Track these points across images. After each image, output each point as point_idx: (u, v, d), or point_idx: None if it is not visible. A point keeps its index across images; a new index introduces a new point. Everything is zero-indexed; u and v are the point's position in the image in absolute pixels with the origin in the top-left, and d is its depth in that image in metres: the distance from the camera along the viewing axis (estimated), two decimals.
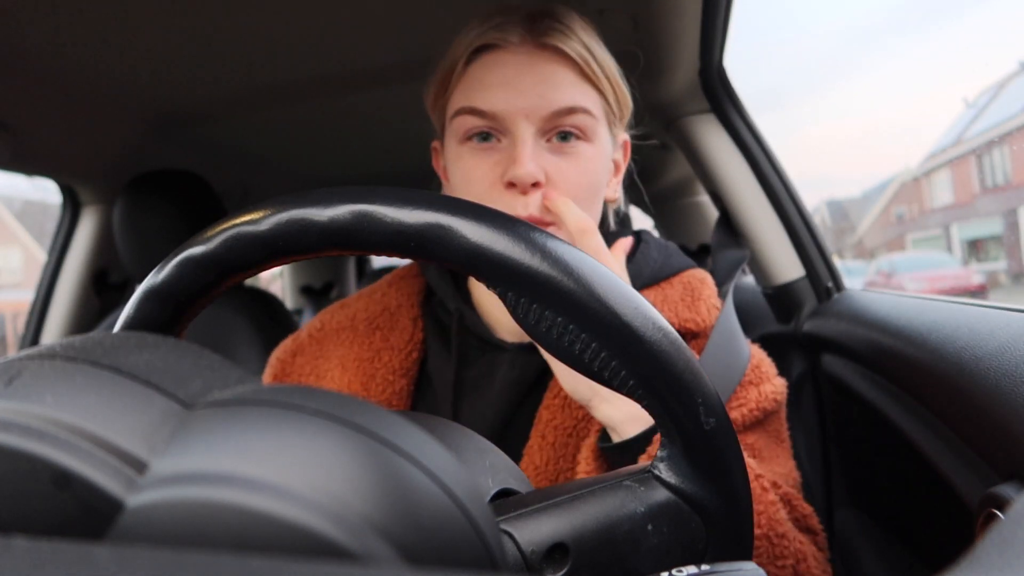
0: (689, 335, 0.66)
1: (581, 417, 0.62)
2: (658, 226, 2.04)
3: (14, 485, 0.17)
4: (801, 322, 1.09)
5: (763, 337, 1.18)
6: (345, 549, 0.17)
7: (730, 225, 1.15)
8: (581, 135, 0.60)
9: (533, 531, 0.31)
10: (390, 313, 0.70)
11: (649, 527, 0.32)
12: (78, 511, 0.17)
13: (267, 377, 0.72)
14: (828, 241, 1.15)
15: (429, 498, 0.19)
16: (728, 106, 1.11)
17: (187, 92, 1.09)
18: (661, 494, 0.33)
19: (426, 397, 0.68)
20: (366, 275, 2.56)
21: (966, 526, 0.50)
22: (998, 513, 0.45)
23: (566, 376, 0.56)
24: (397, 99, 1.20)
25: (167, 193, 1.17)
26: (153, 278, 0.35)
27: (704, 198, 1.81)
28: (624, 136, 0.69)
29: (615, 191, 0.69)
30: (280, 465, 0.17)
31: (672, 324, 0.64)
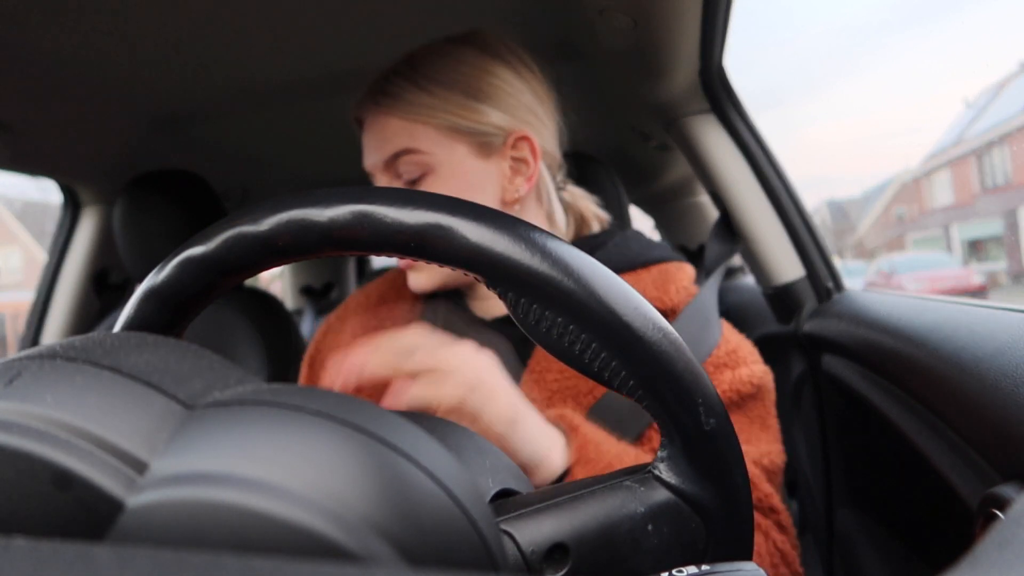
0: None
1: (556, 390, 0.68)
2: (658, 226, 2.04)
3: (14, 485, 0.17)
4: (801, 322, 1.09)
5: (763, 337, 1.18)
6: (345, 549, 0.17)
7: (729, 225, 1.15)
8: (423, 170, 0.69)
9: (533, 531, 0.31)
10: (396, 290, 0.81)
11: (649, 527, 0.32)
12: (78, 511, 0.17)
13: (306, 355, 0.83)
14: (828, 241, 1.15)
15: (429, 498, 0.19)
16: (728, 106, 1.11)
17: (187, 92, 1.09)
18: (661, 494, 0.33)
19: None
20: (366, 275, 2.55)
21: (966, 526, 0.50)
22: (998, 513, 0.45)
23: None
24: None
25: (167, 193, 1.17)
26: (153, 278, 0.35)
27: (704, 198, 1.80)
28: (517, 133, 0.71)
29: (518, 190, 0.72)
30: (280, 465, 0.17)
31: None
